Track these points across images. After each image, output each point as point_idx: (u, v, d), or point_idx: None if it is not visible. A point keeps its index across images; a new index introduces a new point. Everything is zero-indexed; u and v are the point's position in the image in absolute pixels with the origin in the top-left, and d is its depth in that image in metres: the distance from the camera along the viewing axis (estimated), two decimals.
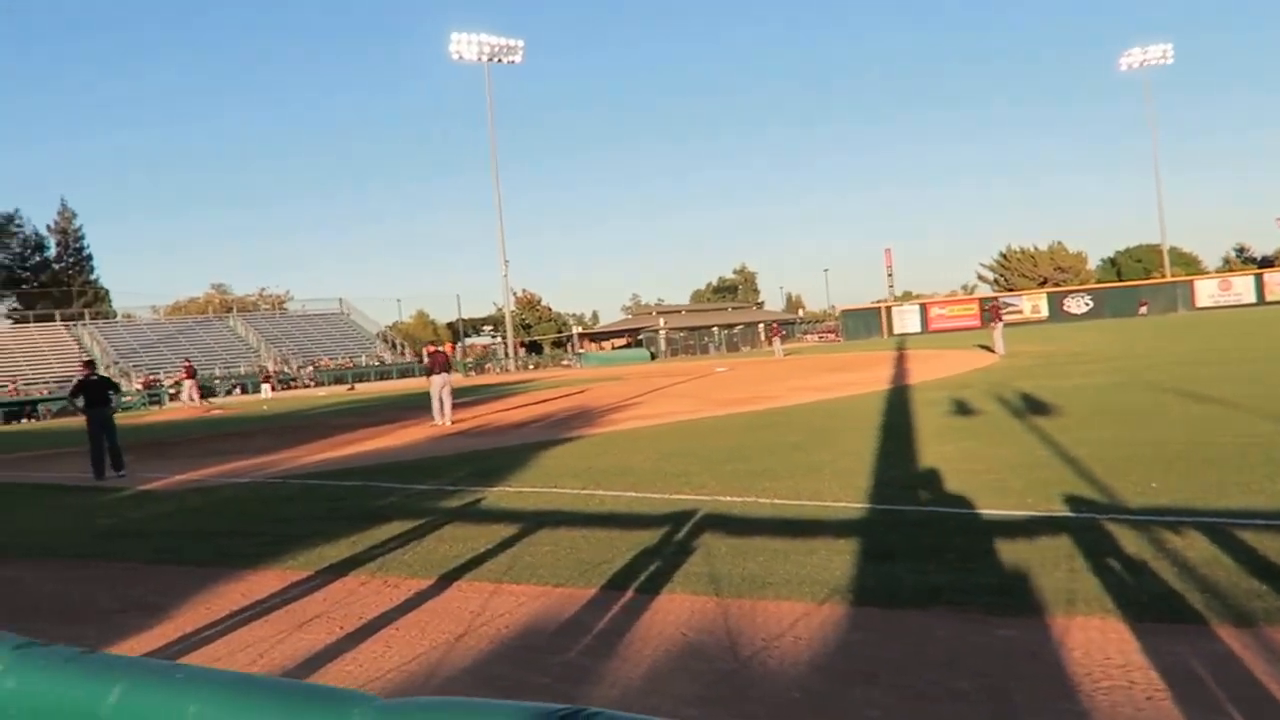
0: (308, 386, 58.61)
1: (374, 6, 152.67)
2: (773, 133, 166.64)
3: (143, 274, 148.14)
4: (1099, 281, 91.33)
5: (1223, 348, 25.00)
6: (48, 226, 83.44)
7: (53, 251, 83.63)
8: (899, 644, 4.57)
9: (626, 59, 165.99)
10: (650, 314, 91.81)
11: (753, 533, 7.02)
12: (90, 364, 16.12)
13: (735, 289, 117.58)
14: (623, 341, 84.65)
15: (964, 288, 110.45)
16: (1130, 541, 5.98)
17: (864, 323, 76.95)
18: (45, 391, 54.28)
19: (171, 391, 50.09)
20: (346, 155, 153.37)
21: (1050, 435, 11.01)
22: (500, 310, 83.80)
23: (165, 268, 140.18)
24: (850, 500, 8.05)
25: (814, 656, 4.47)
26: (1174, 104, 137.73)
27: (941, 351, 36.94)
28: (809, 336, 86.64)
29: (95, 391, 15.06)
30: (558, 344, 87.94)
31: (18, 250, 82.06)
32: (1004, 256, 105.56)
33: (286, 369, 62.18)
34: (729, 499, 8.41)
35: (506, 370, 67.78)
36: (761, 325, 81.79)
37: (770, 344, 55.82)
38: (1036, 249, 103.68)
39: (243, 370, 61.35)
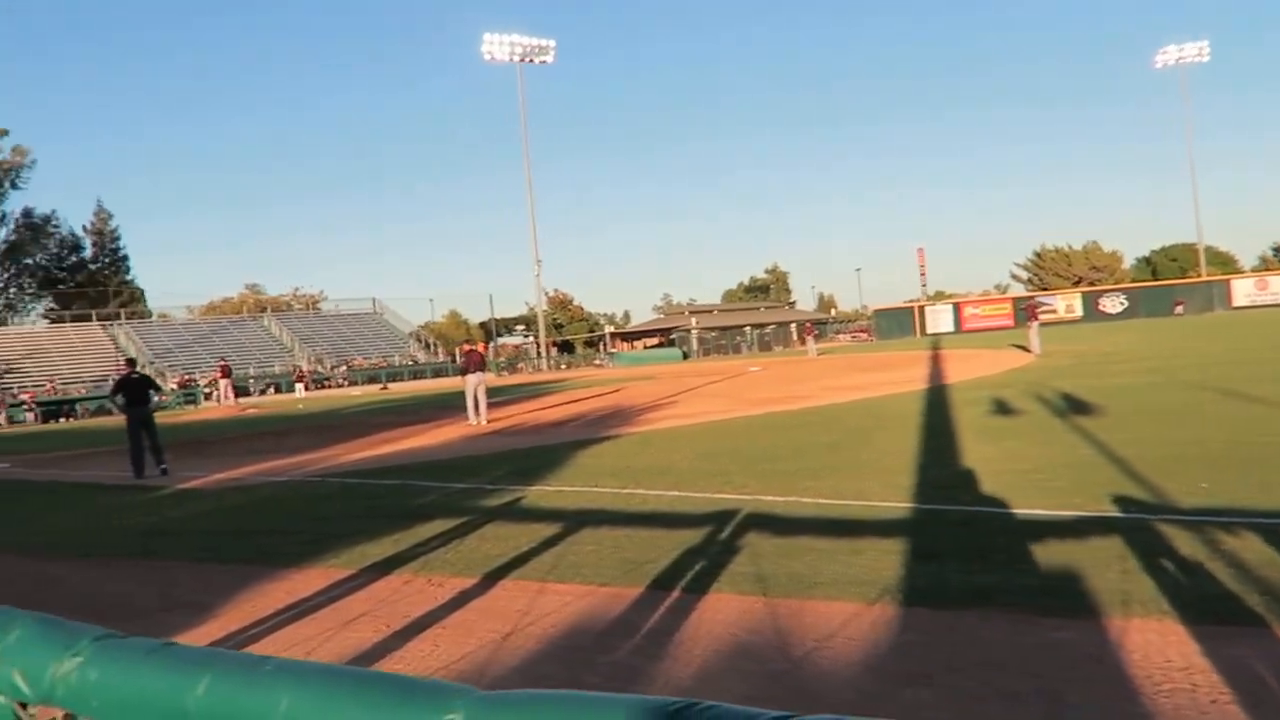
0: (341, 386, 59.06)
1: (407, 7, 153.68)
2: (805, 132, 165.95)
3: (177, 274, 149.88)
4: (1134, 281, 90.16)
5: (1259, 347, 24.60)
6: (84, 227, 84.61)
7: (89, 252, 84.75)
8: (952, 645, 4.53)
9: (658, 58, 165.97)
10: (682, 314, 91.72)
11: (797, 532, 6.99)
12: (131, 362, 16.32)
13: (767, 289, 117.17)
14: (654, 341, 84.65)
15: (997, 287, 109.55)
16: (1184, 542, 5.90)
17: (897, 322, 76.43)
18: (82, 391, 55.13)
19: (207, 391, 50.68)
20: (380, 156, 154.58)
21: (1093, 435, 10.89)
22: (532, 310, 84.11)
23: (199, 268, 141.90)
24: (894, 500, 8.00)
25: (866, 657, 4.44)
26: (1210, 102, 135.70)
27: (976, 351, 36.61)
28: (841, 336, 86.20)
29: (135, 390, 15.23)
30: (589, 344, 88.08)
31: (55, 251, 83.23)
32: (1038, 256, 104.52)
33: (320, 368, 62.70)
34: (771, 498, 8.38)
35: (539, 370, 67.97)
36: (794, 325, 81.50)
37: (804, 344, 55.59)
38: (1071, 248, 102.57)
39: (277, 370, 61.91)
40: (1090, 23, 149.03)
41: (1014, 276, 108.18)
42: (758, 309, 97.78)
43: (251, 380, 57.69)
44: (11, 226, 79.96)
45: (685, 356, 70.46)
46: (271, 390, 57.05)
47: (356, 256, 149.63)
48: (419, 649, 5.04)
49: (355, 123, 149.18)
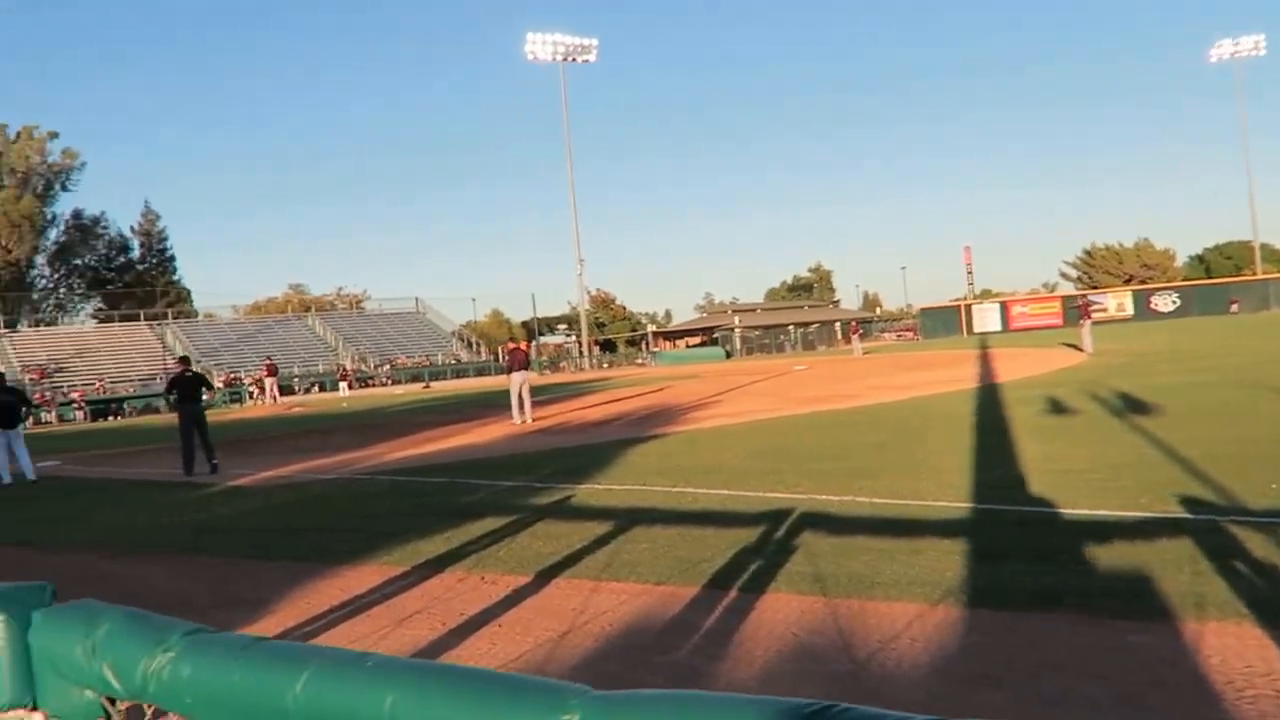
0: (385, 385, 59.58)
1: (449, 7, 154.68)
2: (848, 132, 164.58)
3: (222, 274, 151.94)
4: (1187, 279, 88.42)
5: None
6: (132, 228, 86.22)
7: (137, 253, 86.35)
8: (1021, 648, 4.44)
9: (701, 56, 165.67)
10: (725, 313, 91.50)
11: (853, 532, 6.91)
12: (184, 360, 16.53)
13: (810, 287, 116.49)
14: (697, 340, 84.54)
15: (1045, 285, 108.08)
16: (1257, 544, 5.75)
17: (942, 321, 75.60)
18: (130, 390, 56.13)
19: (252, 390, 51.34)
20: (422, 156, 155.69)
21: (1152, 434, 10.68)
22: (574, 309, 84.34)
23: (244, 268, 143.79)
24: (951, 500, 7.89)
25: (933, 659, 4.36)
26: (1266, 96, 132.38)
27: (1026, 350, 36.11)
28: (886, 335, 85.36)
29: (188, 388, 15.44)
30: (631, 343, 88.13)
31: (103, 251, 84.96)
32: (1088, 254, 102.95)
33: (364, 367, 63.31)
34: (825, 497, 8.29)
35: (581, 369, 68.12)
36: (838, 324, 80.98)
37: (849, 342, 55.21)
38: (1122, 246, 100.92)
39: (321, 368, 62.56)
40: (1143, 17, 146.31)
41: (1063, 275, 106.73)
42: (801, 308, 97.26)
43: (296, 379, 58.37)
44: (61, 228, 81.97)
45: (728, 356, 70.27)
46: (316, 389, 57.68)
47: (399, 256, 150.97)
48: (476, 647, 5.03)
49: (399, 123, 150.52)
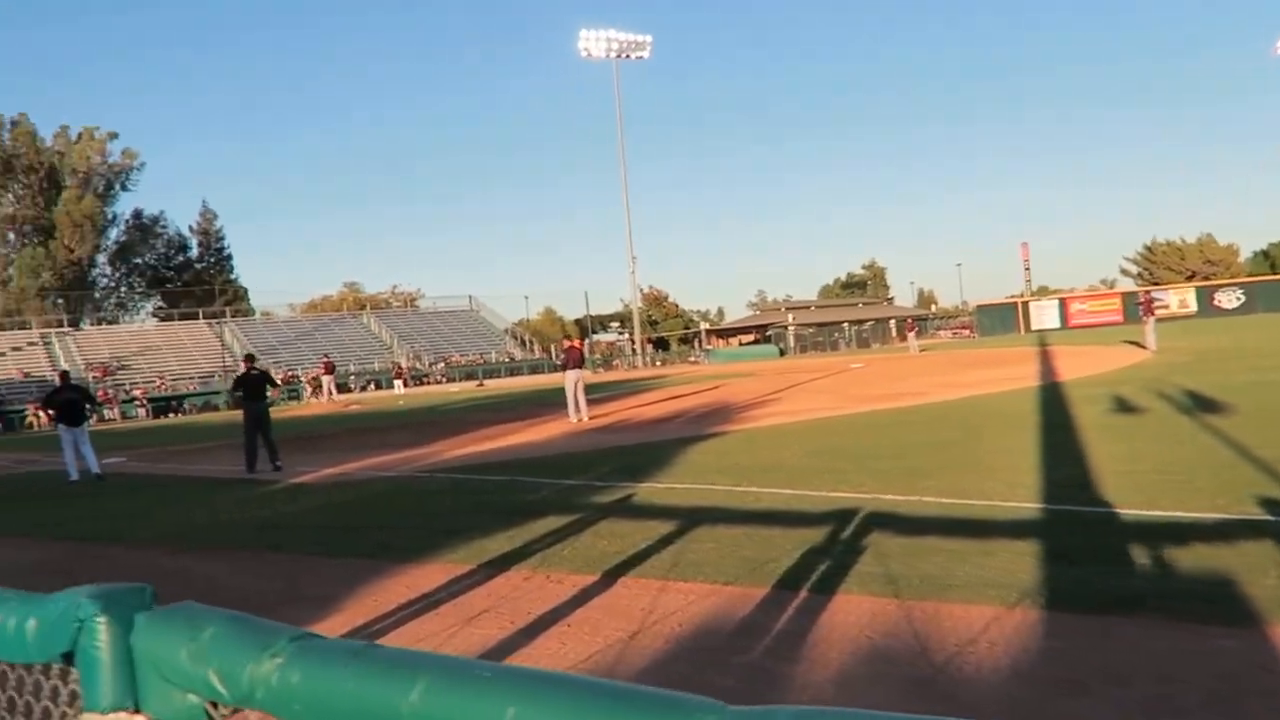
0: (439, 382, 60.17)
1: (501, 5, 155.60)
2: (902, 128, 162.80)
3: (278, 273, 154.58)
4: (1251, 275, 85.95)
5: None
6: (190, 227, 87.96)
7: (195, 251, 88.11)
8: (1106, 652, 4.33)
9: (754, 52, 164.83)
10: (779, 310, 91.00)
11: (922, 532, 6.80)
12: (250, 358, 16.77)
13: (864, 284, 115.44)
14: (750, 338, 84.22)
15: (1104, 282, 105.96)
16: None
17: (999, 318, 74.36)
18: (191, 387, 57.32)
19: (310, 387, 52.11)
20: (475, 154, 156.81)
21: (1225, 434, 10.40)
22: (627, 306, 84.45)
23: (299, 266, 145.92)
24: (1020, 500, 7.75)
25: (1014, 663, 4.27)
26: None
27: (1087, 347, 35.39)
28: (942, 333, 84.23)
29: (253, 385, 15.67)
30: (684, 340, 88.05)
31: (162, 251, 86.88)
32: (1149, 250, 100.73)
33: (419, 365, 63.98)
34: (890, 497, 8.18)
35: (634, 367, 68.20)
36: (893, 321, 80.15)
37: (904, 340, 54.60)
38: (1184, 241, 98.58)
39: (376, 366, 63.38)
40: (1204, 12, 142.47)
41: (1123, 271, 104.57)
42: (855, 305, 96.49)
43: (352, 377, 59.14)
44: (122, 227, 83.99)
45: (782, 353, 69.86)
46: (371, 387, 58.43)
47: (453, 254, 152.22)
48: (546, 647, 5.03)
49: (451, 121, 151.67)
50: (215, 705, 1.29)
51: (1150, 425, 11.98)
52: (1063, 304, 74.82)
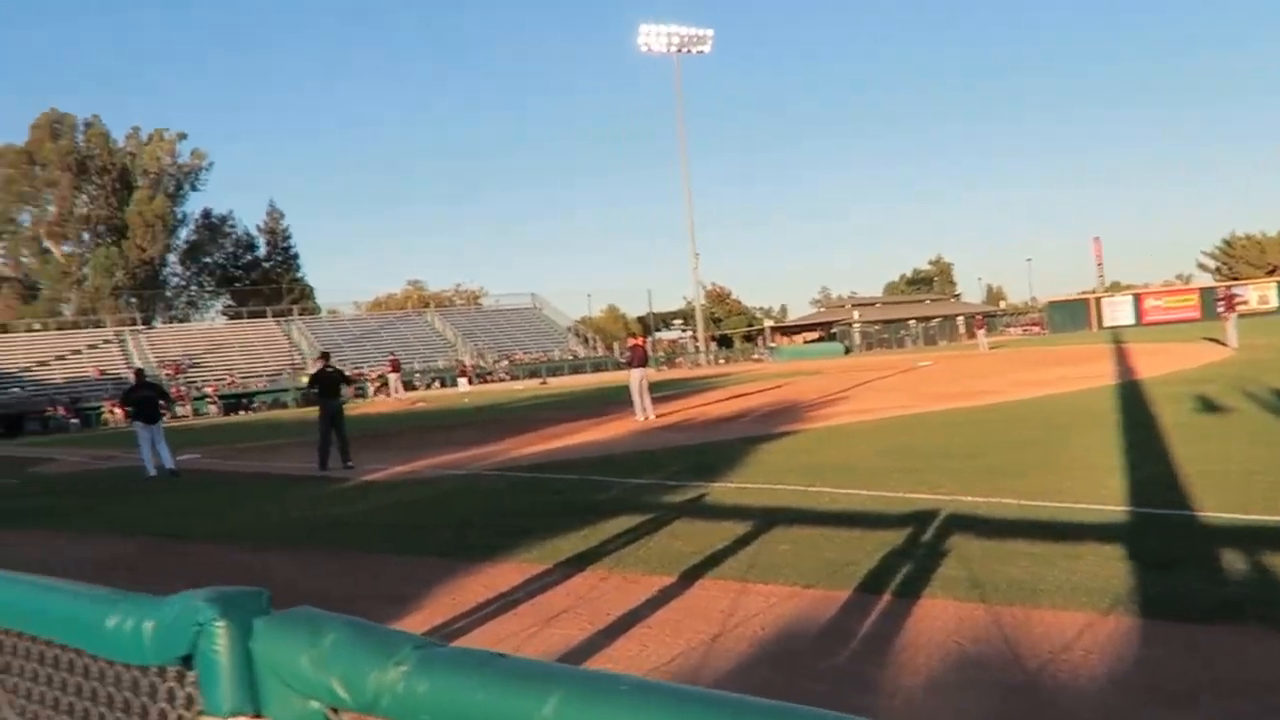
0: (503, 380, 60.65)
1: (563, 2, 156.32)
2: (968, 123, 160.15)
3: (342, 271, 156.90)
4: None
5: None
6: (257, 226, 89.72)
7: (262, 250, 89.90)
8: (1206, 663, 4.21)
9: (817, 46, 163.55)
10: (843, 306, 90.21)
11: (1006, 535, 6.67)
12: (325, 355, 17.06)
13: (930, 280, 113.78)
14: (814, 335, 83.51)
15: (1179, 277, 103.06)
16: None
17: (1071, 315, 72.80)
18: (260, 385, 58.53)
19: (376, 385, 52.89)
20: (536, 151, 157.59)
21: None
22: (690, 304, 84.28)
23: (362, 265, 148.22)
24: (1105, 502, 7.58)
25: (1111, 672, 4.16)
26: None
27: (1165, 345, 34.44)
28: (1011, 329, 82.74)
29: (329, 383, 15.92)
30: (748, 338, 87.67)
31: (231, 250, 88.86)
32: (1227, 244, 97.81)
33: (482, 363, 64.56)
34: (970, 499, 8.04)
35: (697, 364, 68.09)
36: (961, 318, 78.94)
37: (973, 337, 53.71)
38: (1265, 235, 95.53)
39: (440, 364, 64.09)
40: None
41: (1200, 266, 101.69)
42: (922, 301, 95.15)
43: (417, 375, 59.88)
44: (192, 227, 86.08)
45: (847, 351, 69.20)
46: (436, 384, 59.09)
47: (515, 251, 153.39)
48: (626, 648, 5.02)
49: (512, 119, 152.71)
50: (335, 711, 1.28)
51: (1236, 425, 11.63)
52: (1137, 300, 73.06)
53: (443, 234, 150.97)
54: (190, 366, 60.48)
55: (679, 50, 71.26)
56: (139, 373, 18.93)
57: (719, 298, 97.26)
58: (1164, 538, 6.43)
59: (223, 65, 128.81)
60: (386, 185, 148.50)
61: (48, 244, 79.06)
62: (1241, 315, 32.09)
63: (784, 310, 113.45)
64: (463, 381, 50.49)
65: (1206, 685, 3.97)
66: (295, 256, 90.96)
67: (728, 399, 25.69)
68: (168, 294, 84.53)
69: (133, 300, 76.34)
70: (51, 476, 20.31)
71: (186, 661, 1.44)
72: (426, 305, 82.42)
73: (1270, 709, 3.72)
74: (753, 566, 6.38)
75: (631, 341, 23.07)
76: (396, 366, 45.51)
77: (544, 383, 54.25)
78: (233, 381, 58.17)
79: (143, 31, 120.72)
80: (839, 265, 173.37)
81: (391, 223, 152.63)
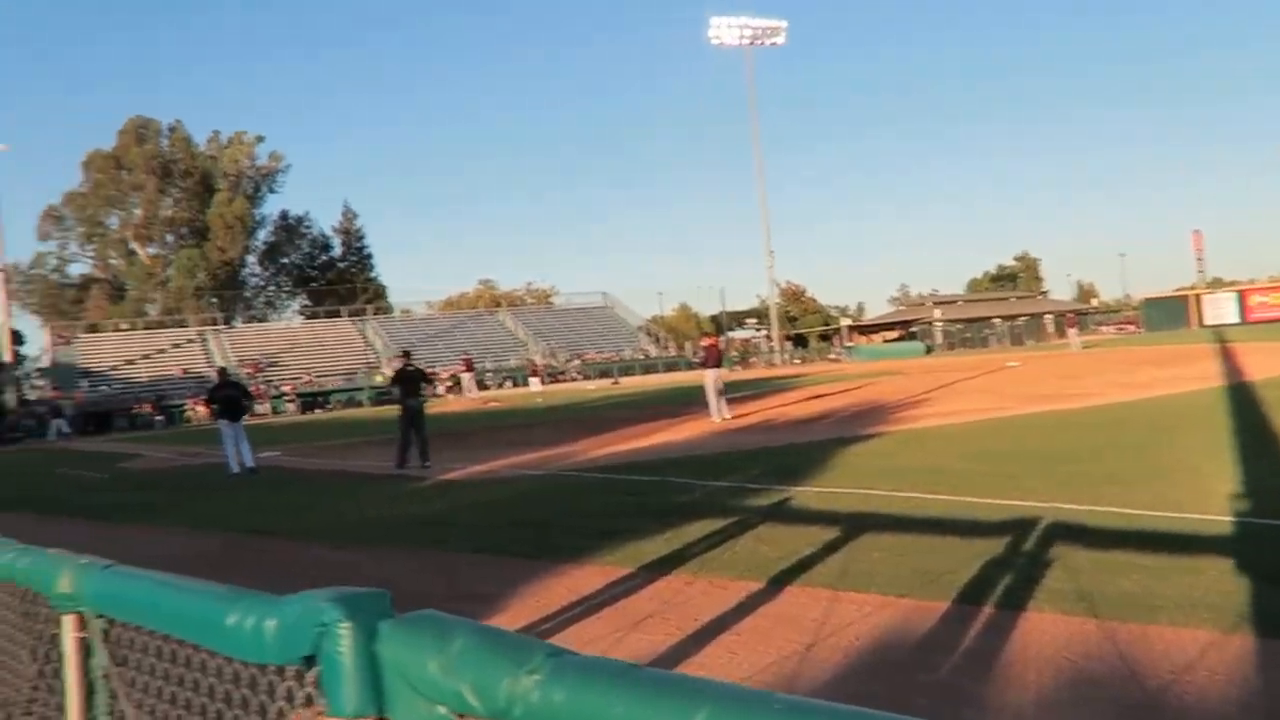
0: (574, 380, 60.97)
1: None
2: (1057, 114, 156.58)
3: (413, 270, 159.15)
4: None
5: None
6: (332, 227, 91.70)
7: (337, 251, 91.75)
8: None
9: (895, 37, 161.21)
10: (923, 305, 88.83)
11: (1113, 546, 6.45)
12: (406, 354, 17.26)
13: (1015, 277, 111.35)
14: (894, 334, 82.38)
15: None
16: None
17: (1168, 313, 70.65)
18: (335, 383, 59.72)
19: (449, 384, 53.53)
20: (607, 149, 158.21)
21: None
22: (764, 302, 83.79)
23: (434, 264, 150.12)
24: (1220, 512, 7.29)
25: (1241, 695, 3.97)
26: None
27: (1273, 344, 33.21)
28: (1103, 328, 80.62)
29: (410, 381, 16.11)
30: (824, 337, 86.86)
31: (307, 250, 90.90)
32: None
33: (554, 362, 64.98)
34: (1072, 507, 7.78)
35: (772, 364, 67.65)
36: (1049, 316, 77.19)
37: (1062, 336, 52.44)
38: None
39: (512, 363, 64.67)
40: None
41: None
42: (1007, 299, 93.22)
43: (489, 374, 60.49)
44: (270, 228, 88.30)
45: (928, 350, 68.15)
46: (508, 384, 59.63)
47: (586, 250, 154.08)
48: (716, 655, 4.96)
49: (581, 115, 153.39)
50: (462, 717, 1.25)
51: None
52: (1241, 296, 70.60)
53: (514, 233, 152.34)
54: (268, 365, 61.95)
55: (751, 42, 70.85)
56: (222, 371, 19.43)
57: (794, 296, 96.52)
58: None
59: (297, 67, 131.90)
60: (458, 184, 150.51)
61: (134, 246, 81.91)
62: None
63: (861, 308, 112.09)
64: (534, 381, 50.81)
65: None
66: (369, 256, 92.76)
67: (806, 400, 25.43)
68: (247, 294, 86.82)
69: (214, 300, 78.57)
70: (138, 472, 20.95)
71: (308, 661, 1.43)
72: (498, 304, 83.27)
73: None
74: (844, 574, 6.26)
75: (706, 341, 22.96)
76: (470, 366, 46.02)
77: (616, 382, 54.39)
78: (309, 380, 59.44)
79: (221, 33, 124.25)
80: (918, 262, 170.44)
81: (462, 222, 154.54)
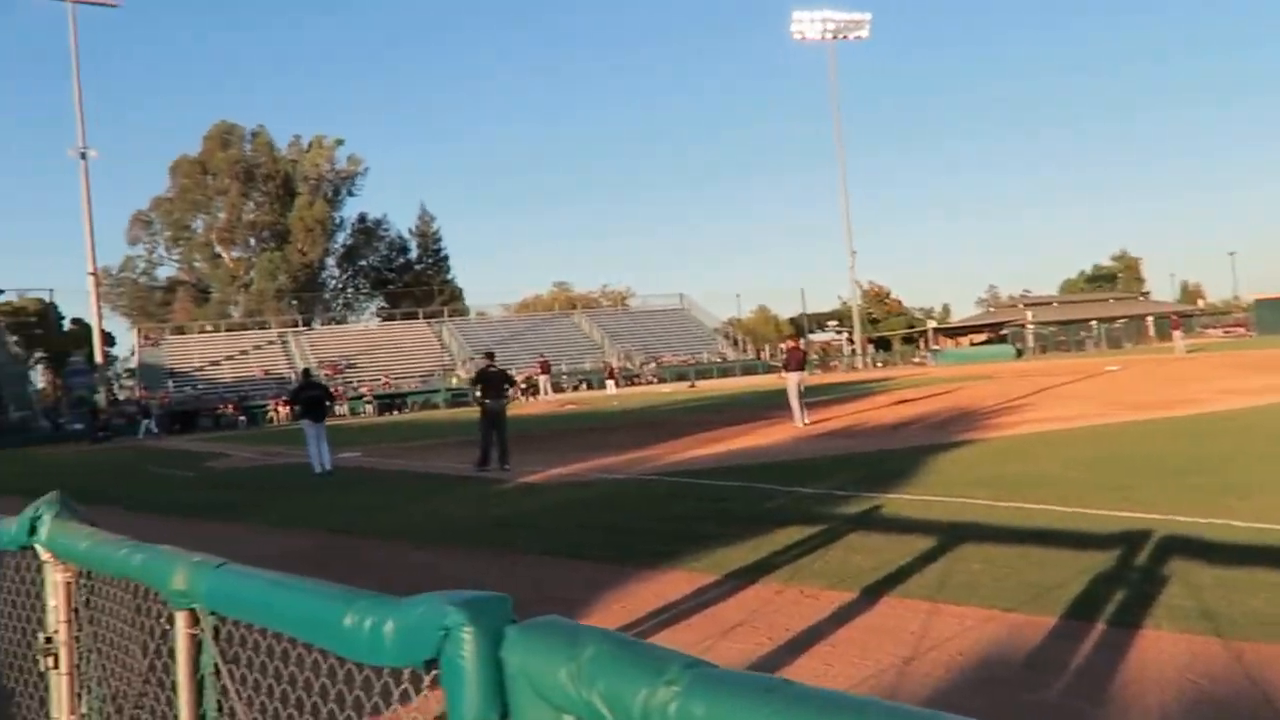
0: (650, 382, 61.02)
1: None
2: (1157, 109, 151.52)
3: (489, 272, 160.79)
4: None
5: None
6: (409, 230, 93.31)
7: (414, 253, 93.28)
8: None
9: (984, 30, 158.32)
10: (1014, 306, 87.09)
11: (1239, 561, 6.19)
12: (490, 355, 17.39)
13: (1113, 277, 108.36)
14: (982, 337, 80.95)
15: None
16: None
17: None
18: (413, 385, 60.67)
19: (524, 386, 54.04)
20: (685, 148, 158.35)
21: None
22: (845, 304, 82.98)
23: (509, 266, 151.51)
24: None
25: None
26: None
27: None
28: (1211, 331, 78.00)
29: (493, 382, 16.23)
30: (908, 340, 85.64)
31: (384, 253, 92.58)
32: None
33: (629, 365, 65.12)
34: (1188, 519, 7.49)
35: (854, 368, 66.90)
36: (1150, 318, 75.00)
37: (1166, 339, 50.89)
38: None
39: (588, 366, 65.00)
40: None
41: None
42: (1105, 300, 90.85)
43: (565, 376, 60.88)
44: (349, 231, 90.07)
45: (1019, 354, 66.69)
46: (584, 386, 59.94)
47: (662, 251, 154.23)
48: (810, 667, 4.86)
49: (658, 114, 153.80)
50: None
51: None
52: None
53: (589, 235, 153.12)
54: (346, 367, 63.21)
55: (834, 37, 70.31)
56: (305, 372, 19.84)
57: (877, 297, 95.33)
58: None
59: (376, 70, 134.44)
60: (533, 186, 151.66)
61: (218, 249, 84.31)
62: None
63: (946, 310, 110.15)
64: (610, 383, 50.99)
65: None
66: (445, 259, 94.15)
67: (892, 405, 25.06)
68: (326, 296, 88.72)
69: (294, 302, 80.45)
70: (223, 471, 21.49)
71: (428, 665, 1.42)
72: (573, 306, 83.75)
73: None
74: (943, 586, 6.10)
75: (789, 344, 22.77)
76: (546, 368, 46.41)
77: (692, 385, 54.29)
78: (387, 382, 60.47)
79: (302, 38, 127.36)
80: (1008, 262, 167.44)
81: (538, 224, 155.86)
